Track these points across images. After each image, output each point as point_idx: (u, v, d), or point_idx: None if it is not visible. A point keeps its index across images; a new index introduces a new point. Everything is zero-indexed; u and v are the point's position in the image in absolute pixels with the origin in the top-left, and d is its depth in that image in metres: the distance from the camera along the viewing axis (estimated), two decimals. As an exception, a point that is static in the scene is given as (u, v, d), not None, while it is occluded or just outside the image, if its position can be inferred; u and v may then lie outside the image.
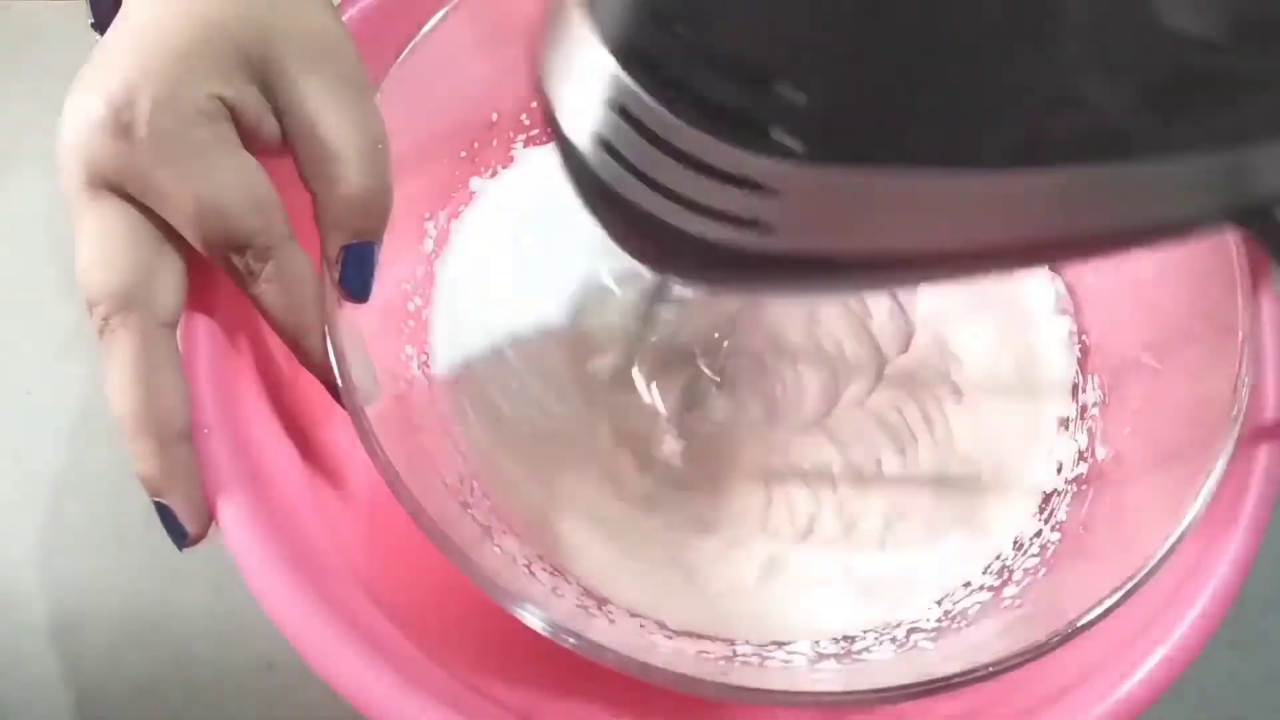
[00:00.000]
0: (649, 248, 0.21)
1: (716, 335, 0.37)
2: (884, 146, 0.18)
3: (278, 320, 0.29)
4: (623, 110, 0.18)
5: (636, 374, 0.37)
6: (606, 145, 0.19)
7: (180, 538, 0.28)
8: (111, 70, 0.26)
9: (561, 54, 0.19)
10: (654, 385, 0.37)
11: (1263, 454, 0.31)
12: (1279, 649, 0.39)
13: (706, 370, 0.37)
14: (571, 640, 0.26)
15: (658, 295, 0.36)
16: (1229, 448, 0.29)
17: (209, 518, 0.28)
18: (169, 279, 0.28)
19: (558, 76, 0.20)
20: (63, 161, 0.27)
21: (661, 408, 0.36)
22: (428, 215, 0.38)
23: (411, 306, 0.37)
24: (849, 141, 0.18)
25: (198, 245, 0.27)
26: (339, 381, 0.28)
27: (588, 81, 0.19)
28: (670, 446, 0.36)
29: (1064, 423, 0.37)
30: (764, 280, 0.22)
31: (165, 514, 0.27)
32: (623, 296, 0.38)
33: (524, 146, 0.40)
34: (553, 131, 0.20)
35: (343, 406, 0.29)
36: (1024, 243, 0.20)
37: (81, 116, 0.26)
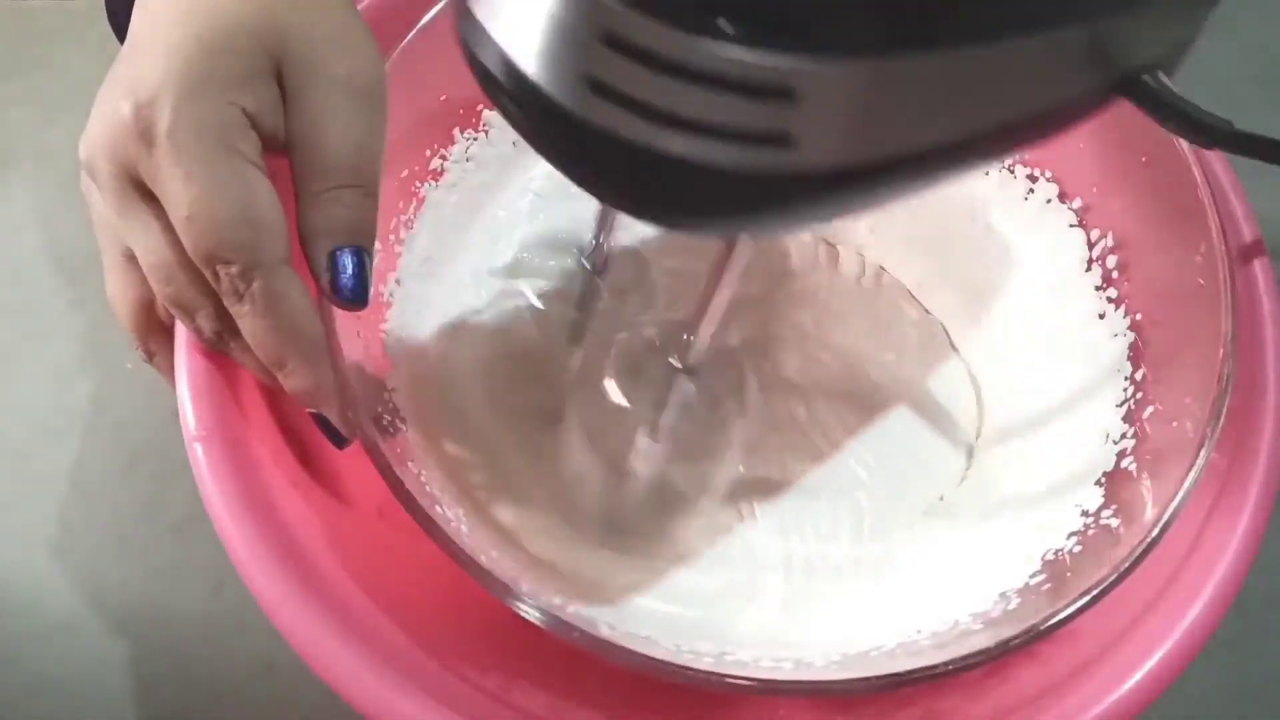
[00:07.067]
0: (650, 194, 0.19)
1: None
2: (897, 32, 0.17)
3: (254, 346, 0.28)
4: (611, 39, 0.16)
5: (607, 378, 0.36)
6: (595, 84, 0.17)
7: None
8: (136, 69, 0.27)
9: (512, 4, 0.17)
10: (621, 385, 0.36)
11: (1263, 455, 0.31)
12: (1279, 649, 0.39)
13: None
14: (575, 635, 0.26)
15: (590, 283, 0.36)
16: (1200, 463, 0.28)
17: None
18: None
19: (507, 29, 0.18)
20: (92, 158, 0.27)
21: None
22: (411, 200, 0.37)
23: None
24: (866, 31, 0.16)
25: (188, 252, 0.27)
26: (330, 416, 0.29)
27: (556, 21, 0.16)
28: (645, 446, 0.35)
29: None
30: (782, 210, 0.19)
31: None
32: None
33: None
34: (508, 94, 0.18)
35: (329, 439, 0.30)
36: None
37: (108, 116, 0.27)
